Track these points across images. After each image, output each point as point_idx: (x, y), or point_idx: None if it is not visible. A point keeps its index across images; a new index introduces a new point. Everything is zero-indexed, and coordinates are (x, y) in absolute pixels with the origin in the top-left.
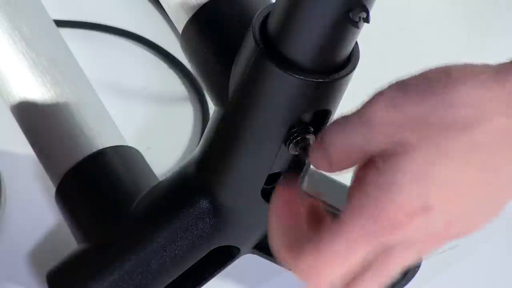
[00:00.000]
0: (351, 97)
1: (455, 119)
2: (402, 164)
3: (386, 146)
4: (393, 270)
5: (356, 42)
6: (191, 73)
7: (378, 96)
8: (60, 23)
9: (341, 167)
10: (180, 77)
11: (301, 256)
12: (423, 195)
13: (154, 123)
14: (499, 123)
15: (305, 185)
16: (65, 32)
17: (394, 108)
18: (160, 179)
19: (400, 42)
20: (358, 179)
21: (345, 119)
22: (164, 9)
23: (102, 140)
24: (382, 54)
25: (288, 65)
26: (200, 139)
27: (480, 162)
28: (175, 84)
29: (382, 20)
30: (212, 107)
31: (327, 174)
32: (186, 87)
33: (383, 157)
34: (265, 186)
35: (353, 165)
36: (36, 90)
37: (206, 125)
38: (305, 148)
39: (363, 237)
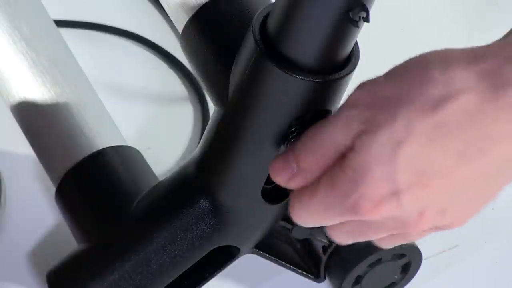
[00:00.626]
0: None
1: (425, 98)
2: (370, 144)
3: (361, 127)
4: (368, 236)
5: (356, 42)
6: (191, 73)
7: (360, 83)
8: (60, 23)
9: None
10: (180, 77)
11: (294, 200)
12: (390, 178)
13: (154, 123)
14: (468, 101)
15: None
16: (65, 32)
17: (369, 90)
18: (160, 179)
19: (400, 42)
20: None
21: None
22: (164, 9)
23: (102, 140)
24: (382, 54)
25: (288, 65)
26: (200, 139)
27: (449, 141)
28: (175, 84)
29: (382, 20)
30: (212, 107)
31: None
32: (186, 87)
33: (359, 137)
34: (265, 186)
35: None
36: (36, 90)
37: (206, 125)
38: None
39: (334, 208)
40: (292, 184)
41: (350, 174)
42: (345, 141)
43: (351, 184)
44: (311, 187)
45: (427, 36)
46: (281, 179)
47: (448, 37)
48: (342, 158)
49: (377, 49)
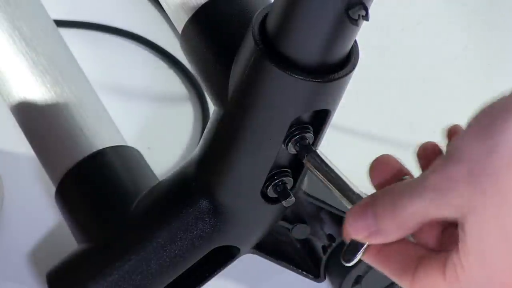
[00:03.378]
0: (351, 97)
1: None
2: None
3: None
4: None
5: (356, 43)
6: (191, 73)
7: (456, 157)
8: (60, 23)
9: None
10: (180, 77)
11: None
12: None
13: (154, 123)
14: None
15: (305, 185)
16: (65, 32)
17: (467, 166)
18: (160, 179)
19: (400, 42)
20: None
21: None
22: (164, 9)
23: (102, 140)
24: (382, 54)
25: (287, 65)
26: (200, 139)
27: None
28: (175, 84)
29: (382, 20)
30: (212, 107)
31: None
32: (186, 87)
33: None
34: (264, 186)
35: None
36: (36, 90)
37: (206, 125)
38: (304, 147)
39: None
40: (372, 241)
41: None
42: (437, 215)
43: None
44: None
45: (427, 36)
46: (359, 235)
47: (448, 37)
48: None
49: (377, 49)
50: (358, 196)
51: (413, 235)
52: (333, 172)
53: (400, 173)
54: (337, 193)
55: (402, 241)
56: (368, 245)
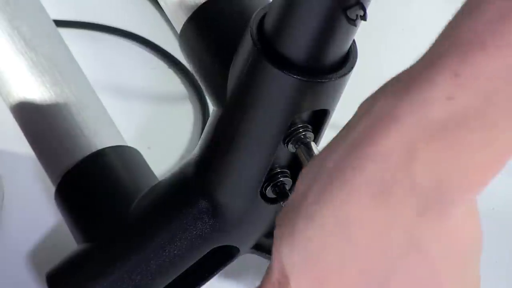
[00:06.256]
0: (350, 96)
1: None
2: None
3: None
4: None
5: (354, 42)
6: (191, 73)
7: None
8: (60, 23)
9: None
10: (180, 77)
11: None
12: None
13: (154, 123)
14: None
15: None
16: (65, 32)
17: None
18: (160, 179)
19: (400, 42)
20: None
21: None
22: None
23: (102, 140)
24: (381, 54)
25: (286, 65)
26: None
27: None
28: (175, 84)
29: (382, 20)
30: (212, 107)
31: None
32: (186, 87)
33: None
34: (263, 185)
35: None
36: (36, 90)
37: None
38: (306, 146)
39: None
40: None
41: None
42: None
43: None
44: None
45: (427, 36)
46: None
47: None
48: None
49: (377, 49)
50: None
51: None
52: None
53: None
54: None
55: None
56: None
